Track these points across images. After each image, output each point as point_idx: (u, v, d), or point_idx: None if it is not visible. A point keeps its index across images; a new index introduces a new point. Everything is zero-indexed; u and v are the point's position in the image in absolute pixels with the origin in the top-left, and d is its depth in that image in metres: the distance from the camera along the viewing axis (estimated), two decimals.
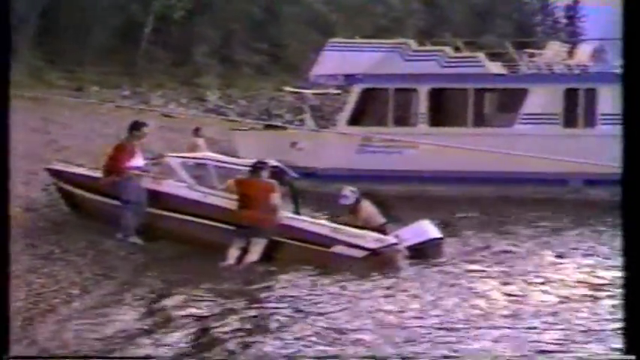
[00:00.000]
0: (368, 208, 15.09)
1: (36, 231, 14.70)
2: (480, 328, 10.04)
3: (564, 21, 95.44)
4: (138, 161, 14.87)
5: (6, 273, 5.72)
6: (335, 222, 14.54)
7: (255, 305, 11.29)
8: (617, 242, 15.49)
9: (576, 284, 12.63)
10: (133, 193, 14.60)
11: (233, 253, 13.63)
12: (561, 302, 11.42)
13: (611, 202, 18.98)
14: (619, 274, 8.72)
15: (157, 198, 14.77)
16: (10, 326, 6.01)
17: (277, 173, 14.97)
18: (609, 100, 21.76)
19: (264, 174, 14.27)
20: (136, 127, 15.29)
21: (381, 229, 14.52)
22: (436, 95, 23.54)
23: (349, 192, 15.14)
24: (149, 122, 16.95)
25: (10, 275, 5.89)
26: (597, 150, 19.69)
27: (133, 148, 14.91)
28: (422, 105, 23.43)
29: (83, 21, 47.60)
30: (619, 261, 12.81)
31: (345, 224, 14.37)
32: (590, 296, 11.74)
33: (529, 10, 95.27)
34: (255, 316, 10.62)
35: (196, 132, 23.18)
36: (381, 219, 15.03)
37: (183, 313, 10.53)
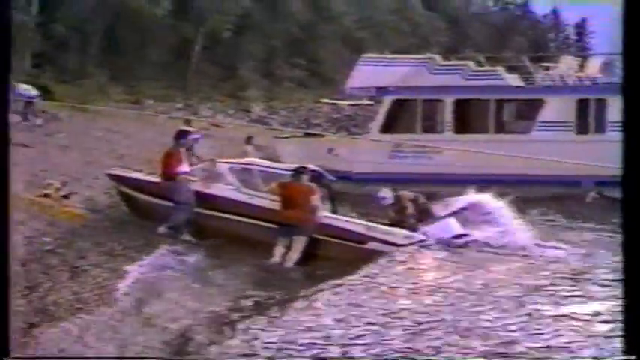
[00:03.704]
0: (407, 195, 15.10)
1: (100, 230, 14.81)
2: None
3: (574, 37, 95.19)
4: (185, 167, 14.85)
5: (6, 274, 5.63)
6: (384, 223, 14.51)
7: None
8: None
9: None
10: (183, 195, 14.62)
11: (278, 251, 13.63)
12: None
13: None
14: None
15: (207, 200, 14.79)
16: (10, 327, 5.91)
17: (316, 177, 14.94)
18: (617, 109, 21.50)
19: (305, 178, 14.25)
20: (182, 135, 15.31)
21: (428, 209, 14.72)
22: (460, 105, 23.41)
23: (386, 192, 15.17)
24: (201, 132, 16.97)
25: (10, 277, 5.79)
26: (607, 154, 19.36)
27: (179, 154, 14.91)
28: (447, 114, 23.32)
29: (141, 41, 47.89)
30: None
31: (395, 222, 14.42)
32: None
33: (543, 27, 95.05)
34: None
35: (248, 140, 23.13)
36: (424, 199, 15.09)
37: None
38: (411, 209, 14.80)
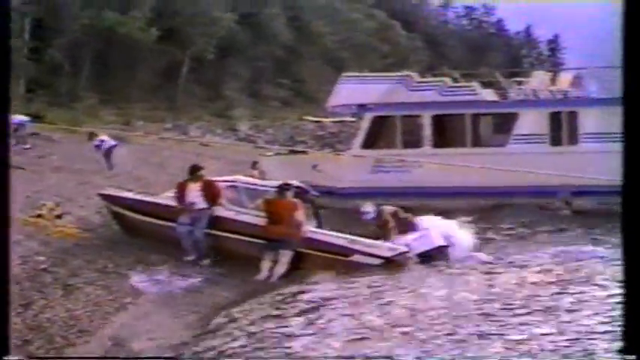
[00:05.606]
0: (388, 209, 15.04)
1: (92, 248, 14.74)
2: None
3: (547, 53, 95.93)
4: (189, 197, 14.73)
5: (6, 274, 5.55)
6: (367, 237, 14.44)
7: None
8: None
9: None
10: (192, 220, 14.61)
11: (265, 266, 13.61)
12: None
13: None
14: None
15: None
16: (10, 326, 5.84)
17: (301, 193, 14.93)
18: (588, 120, 21.65)
19: (289, 194, 14.24)
20: (191, 170, 15.21)
21: (409, 221, 14.57)
22: (438, 120, 23.38)
23: (369, 207, 15.12)
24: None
25: (10, 277, 5.71)
26: (581, 165, 19.51)
27: (185, 186, 14.84)
28: (426, 129, 23.27)
29: (130, 64, 47.87)
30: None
31: (378, 236, 14.38)
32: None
33: (516, 44, 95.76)
34: None
35: (254, 165, 22.87)
36: (404, 213, 15.03)
37: None
38: (392, 223, 14.75)
